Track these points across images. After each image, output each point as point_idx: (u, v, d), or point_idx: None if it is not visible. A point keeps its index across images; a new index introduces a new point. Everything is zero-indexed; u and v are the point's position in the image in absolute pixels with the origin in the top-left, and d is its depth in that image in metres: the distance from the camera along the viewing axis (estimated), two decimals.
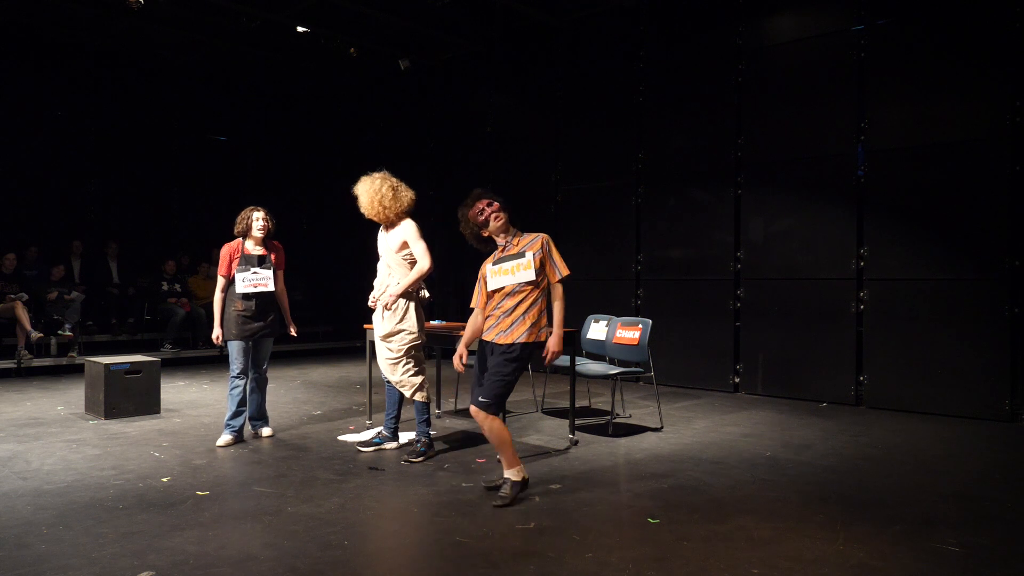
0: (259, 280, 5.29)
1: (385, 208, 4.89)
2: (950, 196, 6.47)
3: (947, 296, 6.47)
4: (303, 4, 8.63)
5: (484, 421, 3.97)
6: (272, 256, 5.43)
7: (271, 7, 8.71)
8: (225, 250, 5.37)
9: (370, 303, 5.05)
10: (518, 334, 3.99)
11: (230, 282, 5.32)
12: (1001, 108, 6.21)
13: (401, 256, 4.93)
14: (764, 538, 3.42)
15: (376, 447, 5.06)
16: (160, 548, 3.24)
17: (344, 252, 11.81)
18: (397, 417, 5.13)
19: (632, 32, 8.62)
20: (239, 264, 5.29)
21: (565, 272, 4.08)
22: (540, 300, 4.07)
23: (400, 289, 4.84)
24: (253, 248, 5.39)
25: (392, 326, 4.92)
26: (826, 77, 7.15)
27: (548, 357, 4.04)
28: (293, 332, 5.64)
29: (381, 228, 5.09)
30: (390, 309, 4.89)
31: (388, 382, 5.05)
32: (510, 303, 4.04)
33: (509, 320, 4.02)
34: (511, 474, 3.98)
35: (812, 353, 7.19)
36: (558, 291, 4.08)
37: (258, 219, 5.41)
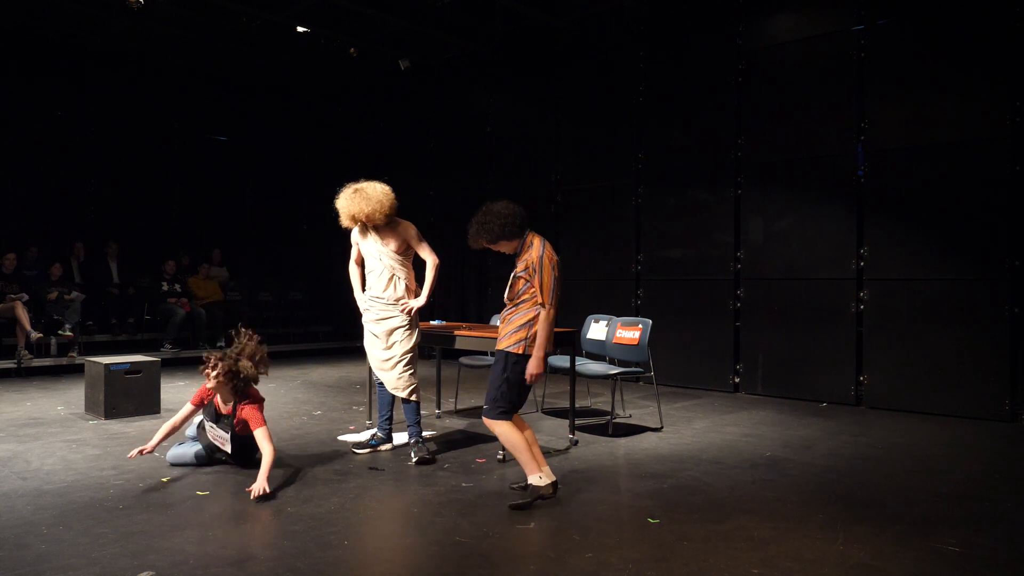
0: (218, 437, 4.53)
1: (392, 207, 4.90)
2: (950, 196, 6.47)
3: (947, 296, 6.47)
4: (303, 4, 8.63)
5: (492, 428, 4.02)
6: (236, 420, 4.40)
7: (271, 7, 8.71)
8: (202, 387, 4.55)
9: (402, 310, 4.91)
10: (504, 343, 4.01)
11: (198, 408, 4.57)
12: (1001, 108, 6.21)
13: (402, 256, 4.96)
14: (764, 538, 3.42)
15: (371, 448, 5.05)
16: (160, 548, 3.24)
17: (344, 252, 11.77)
18: (391, 419, 5.10)
19: (632, 32, 8.62)
20: (205, 408, 4.59)
21: (542, 299, 3.92)
22: (530, 312, 3.97)
23: (429, 290, 4.96)
24: (220, 401, 4.51)
25: (395, 325, 4.92)
26: (826, 77, 7.15)
27: (528, 379, 3.96)
28: (253, 495, 3.98)
29: (369, 232, 4.96)
30: (410, 314, 4.93)
31: (380, 384, 5.04)
32: (507, 312, 4.08)
33: (501, 328, 4.09)
34: (532, 479, 3.94)
35: (812, 353, 7.19)
36: (540, 314, 3.93)
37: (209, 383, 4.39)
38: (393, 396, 5.05)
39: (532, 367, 3.93)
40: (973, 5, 6.37)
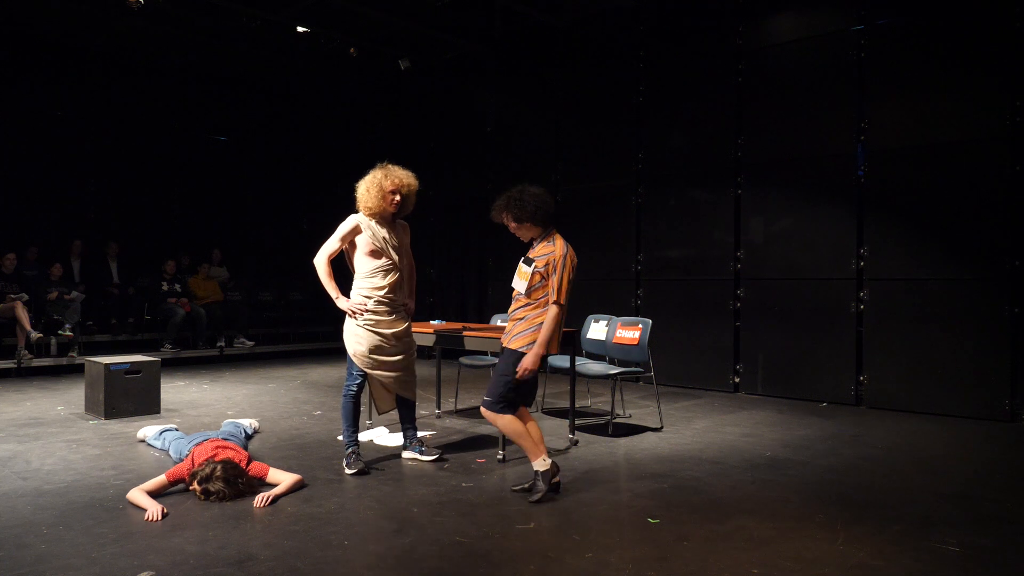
0: None
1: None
2: (950, 196, 6.47)
3: (947, 296, 6.47)
4: (303, 4, 8.63)
5: (494, 420, 4.06)
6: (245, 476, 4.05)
7: (271, 7, 8.71)
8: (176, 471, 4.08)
9: (408, 311, 4.71)
10: (518, 342, 4.04)
11: (173, 484, 4.04)
12: (1001, 108, 6.21)
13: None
14: (764, 538, 3.42)
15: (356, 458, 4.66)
16: (160, 548, 3.24)
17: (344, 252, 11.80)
18: (357, 429, 4.73)
19: (632, 32, 8.62)
20: None
21: (555, 298, 3.94)
22: (545, 312, 4.00)
23: (414, 293, 4.84)
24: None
25: (406, 327, 4.66)
26: (826, 77, 7.15)
27: (519, 373, 3.94)
28: (258, 503, 3.88)
29: (385, 226, 4.57)
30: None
31: (354, 396, 4.63)
32: (516, 306, 4.12)
33: (513, 324, 4.11)
34: (536, 464, 4.00)
35: (812, 353, 7.19)
36: (549, 311, 3.95)
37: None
38: (358, 407, 4.69)
39: (527, 362, 3.94)
40: (973, 5, 6.37)
